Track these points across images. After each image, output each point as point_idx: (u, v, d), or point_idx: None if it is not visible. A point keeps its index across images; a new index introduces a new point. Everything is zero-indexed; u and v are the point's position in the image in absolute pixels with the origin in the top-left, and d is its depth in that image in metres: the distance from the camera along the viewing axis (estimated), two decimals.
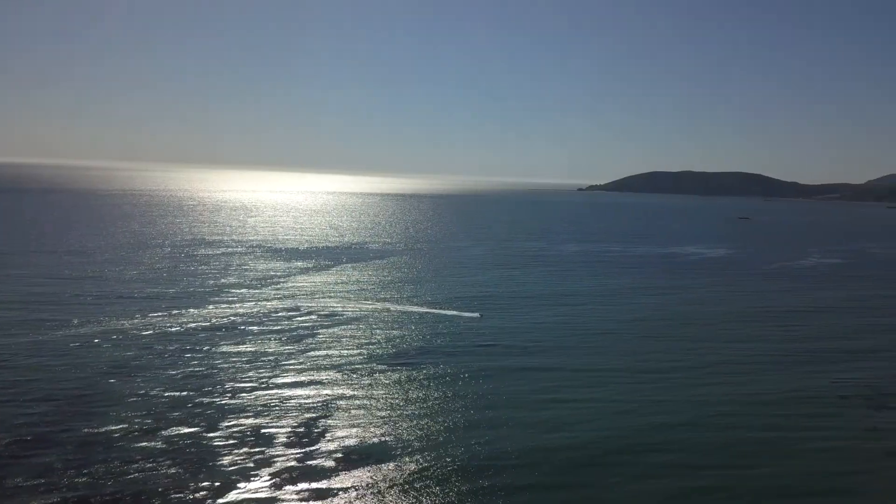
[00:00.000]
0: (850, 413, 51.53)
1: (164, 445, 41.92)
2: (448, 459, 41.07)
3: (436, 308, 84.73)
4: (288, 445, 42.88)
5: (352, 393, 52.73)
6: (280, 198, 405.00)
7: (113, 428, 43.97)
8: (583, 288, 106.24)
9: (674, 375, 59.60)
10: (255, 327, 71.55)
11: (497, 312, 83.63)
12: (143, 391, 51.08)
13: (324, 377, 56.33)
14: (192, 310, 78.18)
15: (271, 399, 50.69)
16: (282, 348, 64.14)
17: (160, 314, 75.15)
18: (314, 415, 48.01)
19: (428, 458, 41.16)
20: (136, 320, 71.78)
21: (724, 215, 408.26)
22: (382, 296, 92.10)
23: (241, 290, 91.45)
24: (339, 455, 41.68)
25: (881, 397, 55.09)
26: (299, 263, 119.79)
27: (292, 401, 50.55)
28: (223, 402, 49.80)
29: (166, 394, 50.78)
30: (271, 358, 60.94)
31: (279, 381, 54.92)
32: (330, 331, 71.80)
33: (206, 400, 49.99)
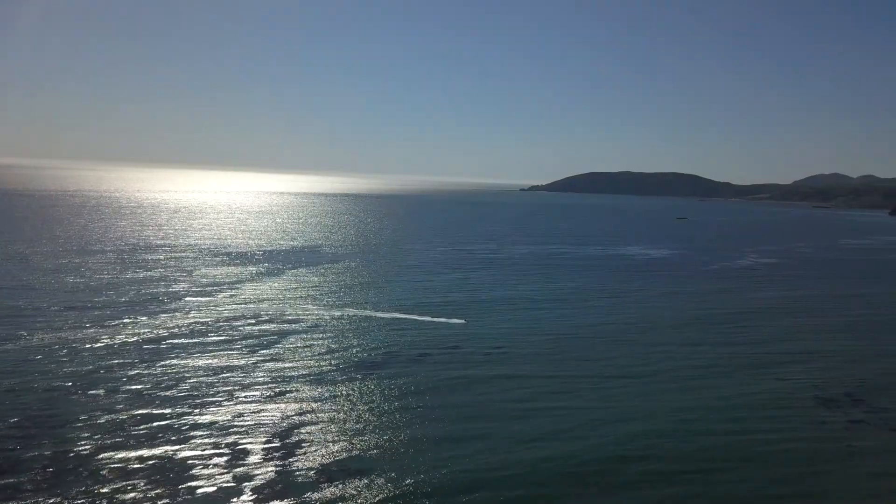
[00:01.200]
0: (807, 414, 53.75)
1: (137, 464, 40.84)
2: (430, 473, 41.15)
3: (409, 314, 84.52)
4: (266, 460, 42.39)
5: (328, 404, 52.24)
6: (221, 198, 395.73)
7: (82, 447, 42.58)
8: (542, 292, 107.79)
9: (640, 381, 60.98)
10: (217, 336, 70.12)
11: (468, 317, 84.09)
12: (107, 407, 49.54)
13: (297, 387, 55.73)
14: (146, 319, 75.99)
15: (244, 412, 49.91)
16: (249, 358, 63.07)
17: (114, 325, 72.77)
18: (289, 427, 47.52)
19: (409, 472, 41.18)
20: (88, 332, 69.30)
21: (662, 215, 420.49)
22: (347, 301, 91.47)
23: (196, 298, 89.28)
24: (319, 469, 41.44)
25: (833, 398, 57.81)
26: (252, 268, 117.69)
27: (266, 413, 49.89)
28: (193, 416, 48.75)
29: (133, 409, 49.37)
30: (239, 368, 59.89)
31: (249, 392, 54.06)
32: (298, 338, 70.96)
33: (175, 415, 48.83)
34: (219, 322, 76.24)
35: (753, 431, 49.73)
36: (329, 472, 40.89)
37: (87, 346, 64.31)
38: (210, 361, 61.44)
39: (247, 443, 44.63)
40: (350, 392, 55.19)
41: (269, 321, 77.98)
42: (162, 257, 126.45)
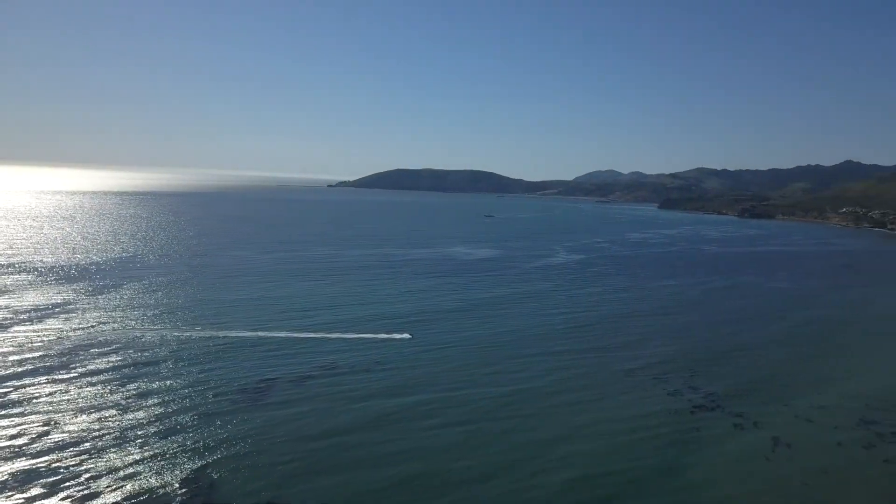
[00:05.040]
0: (673, 416, 61.67)
1: None
2: None
3: (271, 332, 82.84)
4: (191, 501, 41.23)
5: (233, 442, 50.84)
6: None
7: None
8: (408, 304, 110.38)
9: (544, 397, 64.45)
10: (71, 372, 64.44)
11: (343, 331, 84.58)
12: None
13: (190, 423, 53.62)
14: None
15: (142, 457, 47.44)
16: (120, 393, 59.20)
17: None
18: (200, 468, 46.19)
19: None
20: None
21: (469, 213, 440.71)
22: (200, 320, 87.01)
23: (26, 326, 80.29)
24: None
25: (711, 403, 65.47)
26: (78, 286, 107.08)
27: (167, 455, 47.88)
28: (90, 464, 45.66)
29: (16, 466, 44.86)
30: (114, 406, 56.19)
31: (139, 435, 51.15)
32: (167, 366, 67.39)
33: (69, 465, 45.33)
34: (66, 353, 69.78)
35: (651, 440, 55.31)
36: None
37: None
38: (77, 401, 56.80)
39: (161, 490, 42.84)
40: (250, 426, 54.09)
41: (124, 348, 72.83)
42: None
